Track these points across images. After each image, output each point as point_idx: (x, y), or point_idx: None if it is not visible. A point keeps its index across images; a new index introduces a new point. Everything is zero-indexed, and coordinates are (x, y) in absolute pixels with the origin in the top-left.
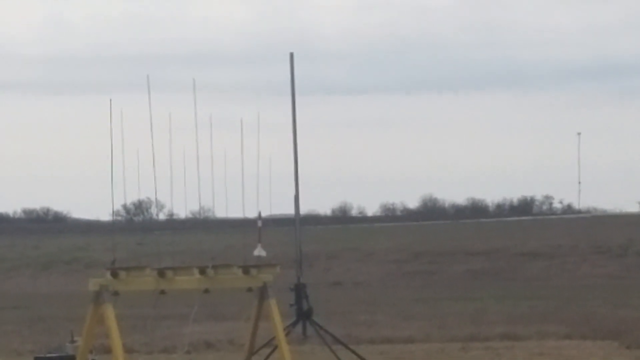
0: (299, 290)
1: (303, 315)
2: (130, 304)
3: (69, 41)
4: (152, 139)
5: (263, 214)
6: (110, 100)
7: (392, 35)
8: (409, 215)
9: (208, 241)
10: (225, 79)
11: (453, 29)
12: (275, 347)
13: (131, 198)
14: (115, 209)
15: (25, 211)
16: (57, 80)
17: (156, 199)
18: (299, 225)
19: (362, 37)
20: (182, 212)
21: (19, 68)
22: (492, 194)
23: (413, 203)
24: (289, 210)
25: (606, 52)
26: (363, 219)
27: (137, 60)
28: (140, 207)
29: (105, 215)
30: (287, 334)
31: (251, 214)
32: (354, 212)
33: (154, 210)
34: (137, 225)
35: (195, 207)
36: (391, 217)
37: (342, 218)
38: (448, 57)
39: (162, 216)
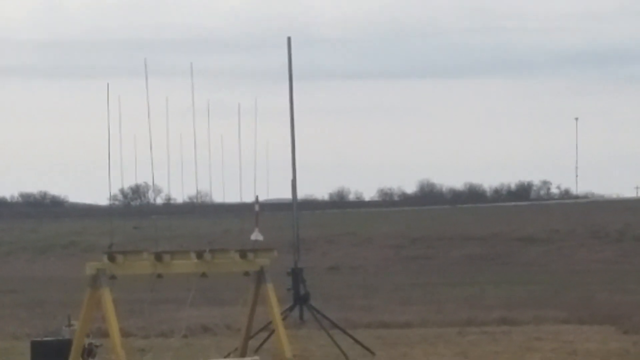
0: (296, 275)
1: (300, 299)
2: (127, 288)
3: (65, 26)
4: (150, 123)
5: (261, 199)
6: (108, 85)
7: (390, 21)
8: (406, 200)
9: (205, 226)
10: (223, 64)
11: (451, 14)
12: (272, 332)
13: (128, 182)
14: (112, 194)
15: (22, 195)
16: (55, 65)
17: (153, 183)
18: (296, 209)
19: (359, 22)
20: (179, 196)
21: (15, 53)
22: (490, 179)
23: (410, 188)
24: (287, 195)
25: (604, 38)
26: (360, 204)
27: (134, 45)
28: (137, 191)
29: (102, 200)
30: (284, 319)
31: (249, 198)
32: (352, 197)
33: (151, 194)
34: (134, 209)
35: (192, 192)
36: (388, 202)
37: (339, 203)
38: (446, 42)
39: (159, 201)
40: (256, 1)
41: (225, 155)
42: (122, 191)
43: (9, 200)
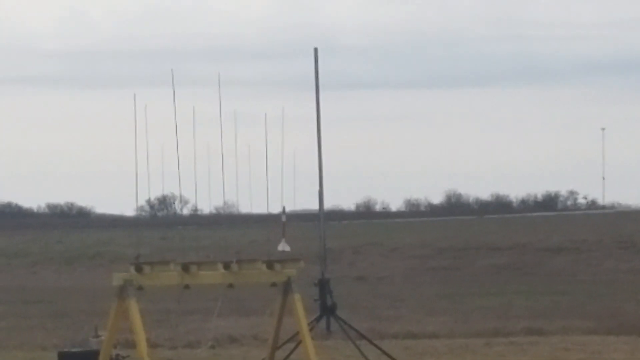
0: (323, 285)
1: (327, 310)
2: (154, 299)
3: (90, 36)
4: (177, 133)
5: (287, 209)
6: (135, 95)
7: (414, 30)
8: (432, 210)
9: (232, 236)
10: (249, 74)
11: (475, 23)
12: (299, 342)
13: (155, 193)
14: (139, 204)
15: (49, 206)
16: (80, 75)
17: (180, 194)
18: (323, 220)
19: (384, 31)
20: (206, 207)
21: (41, 63)
22: (517, 190)
23: (437, 198)
24: (313, 206)
25: (630, 46)
26: (387, 214)
27: (159, 55)
28: (164, 202)
29: (129, 211)
30: (311, 329)
31: (275, 209)
32: (378, 208)
33: (178, 205)
34: (161, 220)
35: (219, 203)
36: (415, 213)
37: (366, 213)
38: (470, 51)
39: (186, 211)
40: (282, 11)
41: (252, 165)
42: (148, 202)
43: (35, 211)
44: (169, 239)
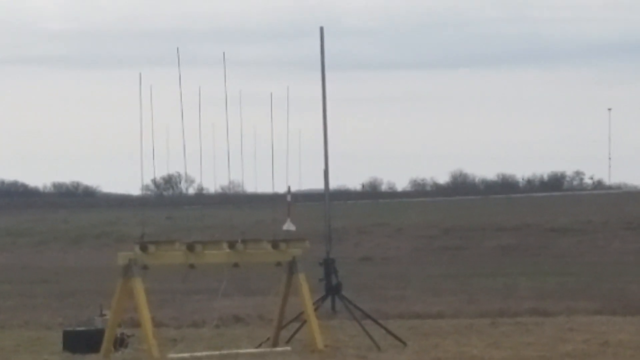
0: (328, 265)
1: (332, 290)
2: (159, 278)
3: (96, 16)
4: (182, 113)
5: (293, 189)
6: (140, 74)
7: (422, 11)
8: (438, 190)
9: (237, 216)
10: (255, 54)
11: (482, 4)
12: (304, 322)
13: (161, 173)
14: (144, 184)
15: (55, 185)
16: (87, 55)
17: (186, 173)
18: (328, 200)
19: (390, 12)
20: (211, 187)
21: (47, 43)
22: (523, 170)
23: (443, 178)
24: (319, 186)
25: (636, 28)
26: (393, 194)
27: (165, 35)
28: (169, 181)
29: (135, 190)
30: (316, 309)
31: (281, 189)
32: (384, 188)
33: (183, 185)
34: (166, 200)
35: (224, 182)
36: (421, 193)
37: (371, 193)
38: (478, 32)
39: (191, 191)
40: None
41: (257, 145)
42: (154, 181)
43: (41, 190)
44: (174, 219)
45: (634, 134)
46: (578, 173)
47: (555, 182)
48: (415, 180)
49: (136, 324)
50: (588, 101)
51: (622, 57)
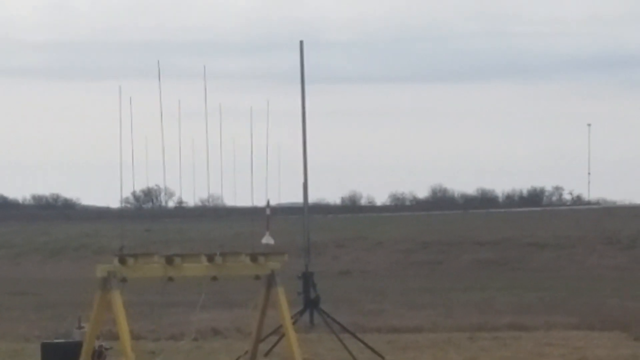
0: (307, 279)
1: (310, 303)
2: (137, 291)
3: (74, 27)
4: (162, 126)
5: (272, 203)
6: (120, 87)
7: (400, 25)
8: (418, 205)
9: (216, 229)
10: (234, 67)
11: (460, 18)
12: (283, 335)
13: (140, 185)
14: (124, 197)
15: (34, 197)
16: (65, 67)
17: (165, 186)
18: (307, 213)
19: (370, 26)
20: (191, 200)
21: (26, 54)
22: (502, 185)
23: (422, 193)
24: (298, 199)
25: (615, 43)
26: (372, 209)
27: (144, 48)
28: (149, 194)
29: (114, 203)
30: (294, 322)
31: (260, 202)
32: (363, 202)
33: (163, 198)
34: (146, 212)
35: (204, 195)
36: (400, 207)
37: (351, 207)
38: (456, 47)
39: (171, 204)
40: (267, 4)
41: (237, 158)
42: (133, 194)
43: (20, 202)
44: (153, 232)
45: (613, 150)
46: (557, 188)
47: (535, 197)
48: (394, 195)
49: (115, 336)
50: (567, 116)
51: (601, 72)
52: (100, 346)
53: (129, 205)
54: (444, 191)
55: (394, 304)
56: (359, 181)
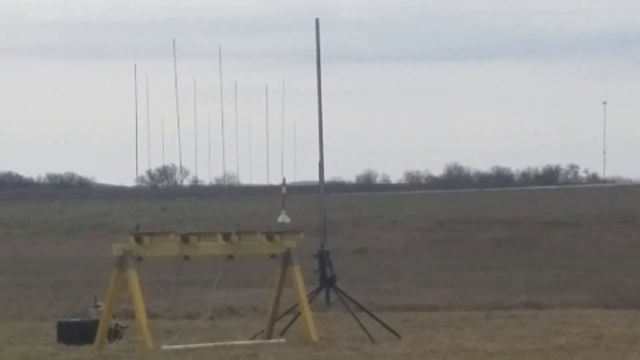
0: (323, 257)
1: (326, 282)
2: (153, 269)
3: (90, 6)
4: (177, 105)
5: (287, 181)
6: (135, 65)
7: (417, 4)
8: (433, 183)
9: (232, 208)
10: (249, 46)
11: None
12: (298, 314)
13: (155, 164)
14: (139, 175)
15: (49, 176)
16: (81, 46)
17: (181, 165)
18: (323, 192)
19: (384, 4)
20: (206, 178)
21: (41, 33)
22: (517, 163)
23: (438, 171)
24: (314, 178)
25: (631, 21)
26: (387, 187)
27: (160, 27)
28: (164, 173)
29: (129, 181)
30: (310, 301)
31: (276, 180)
32: (379, 180)
33: (178, 176)
34: (161, 191)
35: (219, 174)
36: (415, 185)
37: (366, 186)
38: (473, 25)
39: (186, 182)
40: None
41: (252, 137)
42: (149, 173)
43: (36, 181)
44: (169, 210)
45: (628, 128)
46: (573, 166)
47: (550, 176)
48: (410, 173)
49: (130, 315)
50: (583, 95)
51: (617, 50)
52: (117, 325)
53: (144, 184)
54: (460, 169)
55: (409, 283)
56: (374, 159)
